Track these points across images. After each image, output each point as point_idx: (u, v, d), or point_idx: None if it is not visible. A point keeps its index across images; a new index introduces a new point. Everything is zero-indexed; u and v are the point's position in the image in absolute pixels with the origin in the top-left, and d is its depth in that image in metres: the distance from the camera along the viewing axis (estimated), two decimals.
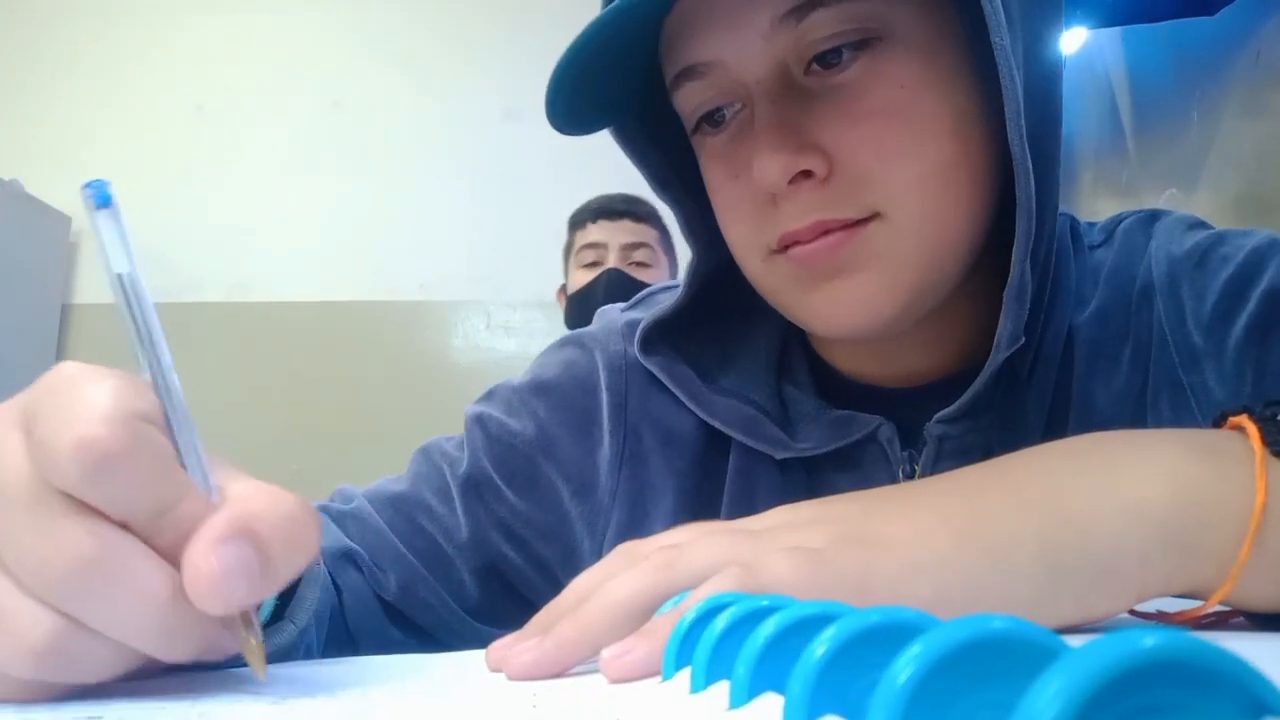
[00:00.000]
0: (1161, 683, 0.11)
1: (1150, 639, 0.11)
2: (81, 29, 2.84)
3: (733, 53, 0.44)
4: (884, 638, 0.17)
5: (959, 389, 0.47)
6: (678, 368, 0.55)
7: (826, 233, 0.44)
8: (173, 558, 0.25)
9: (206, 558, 0.24)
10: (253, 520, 0.25)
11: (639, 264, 1.72)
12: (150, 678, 0.27)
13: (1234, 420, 0.33)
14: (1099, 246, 0.54)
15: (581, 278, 1.73)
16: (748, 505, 0.53)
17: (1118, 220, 0.55)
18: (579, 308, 1.70)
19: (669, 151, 0.53)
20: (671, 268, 1.79)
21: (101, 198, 0.26)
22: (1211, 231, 0.51)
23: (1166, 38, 1.74)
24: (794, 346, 0.55)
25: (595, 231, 1.74)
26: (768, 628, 0.20)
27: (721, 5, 0.43)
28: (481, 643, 0.33)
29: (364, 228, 2.81)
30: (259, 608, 0.29)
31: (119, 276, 0.26)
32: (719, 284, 0.55)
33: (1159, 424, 0.48)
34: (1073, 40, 1.85)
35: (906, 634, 0.16)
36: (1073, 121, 2.07)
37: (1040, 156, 0.43)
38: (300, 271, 2.79)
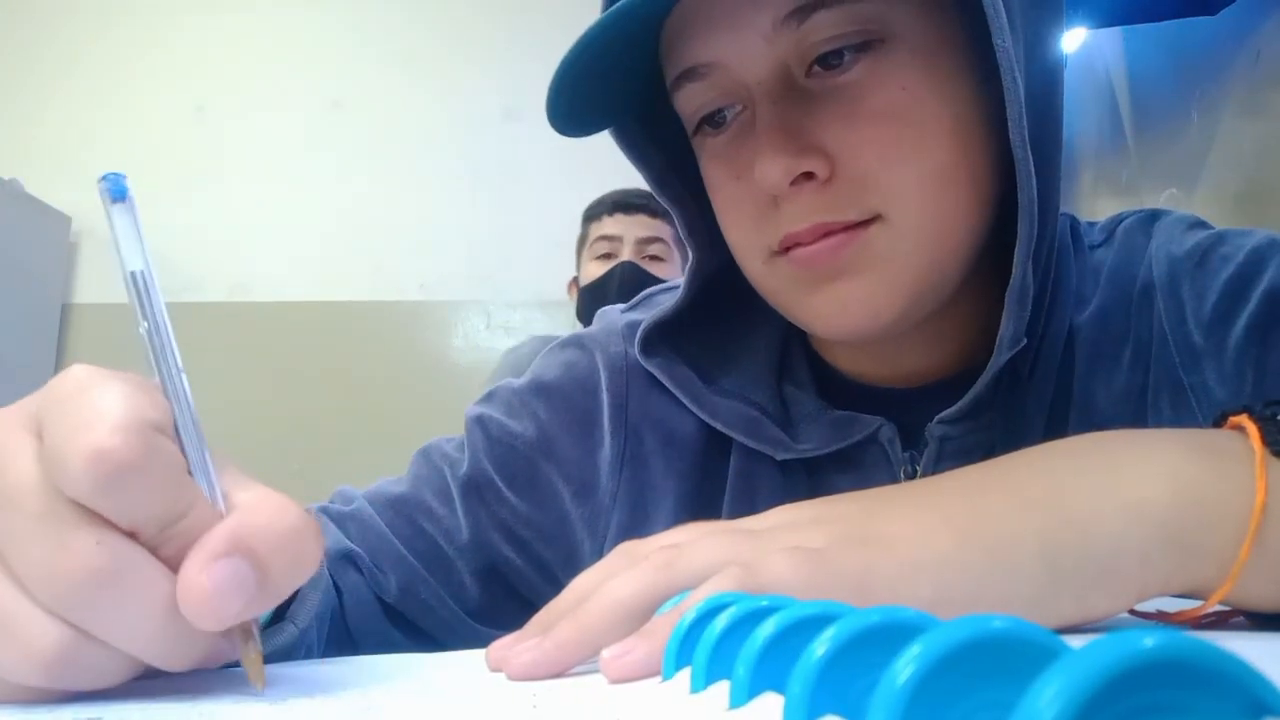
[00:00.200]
0: (1161, 683, 0.11)
1: (1150, 639, 0.11)
2: (81, 29, 2.84)
3: (734, 54, 0.44)
4: (884, 638, 0.17)
5: (960, 389, 0.47)
6: (678, 369, 0.55)
7: (827, 234, 0.44)
8: (178, 567, 0.25)
9: (199, 574, 0.24)
10: (251, 535, 0.25)
11: (653, 258, 1.72)
12: (150, 678, 0.27)
13: (1234, 420, 0.33)
14: (1099, 246, 0.54)
15: (595, 269, 1.73)
16: (749, 506, 0.53)
17: (1118, 220, 0.55)
18: (591, 299, 1.71)
19: (669, 152, 0.53)
20: (684, 264, 1.79)
21: (117, 190, 0.26)
22: (1212, 231, 0.51)
23: (1166, 38, 1.74)
24: (795, 347, 0.55)
25: (611, 224, 1.74)
26: (768, 628, 0.20)
27: (722, 6, 0.43)
28: (482, 644, 0.33)
29: (364, 228, 2.81)
30: (258, 617, 0.29)
31: (133, 274, 0.26)
32: (719, 285, 0.55)
33: (1159, 423, 0.48)
34: (1073, 40, 1.85)
35: (906, 634, 0.16)
36: (1073, 121, 2.07)
37: (1041, 158, 0.43)
38: (300, 271, 2.79)
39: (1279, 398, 0.32)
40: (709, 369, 0.55)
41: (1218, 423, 0.34)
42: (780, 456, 0.51)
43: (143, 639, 0.25)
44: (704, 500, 0.55)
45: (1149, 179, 1.87)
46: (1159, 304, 0.50)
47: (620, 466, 0.56)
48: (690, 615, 0.24)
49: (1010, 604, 0.29)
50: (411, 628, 0.55)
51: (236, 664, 0.28)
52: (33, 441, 0.25)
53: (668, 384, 0.55)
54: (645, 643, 0.26)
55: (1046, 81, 0.45)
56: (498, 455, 0.57)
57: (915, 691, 0.13)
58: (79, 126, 2.76)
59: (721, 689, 0.20)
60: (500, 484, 0.56)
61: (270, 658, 0.27)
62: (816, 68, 0.43)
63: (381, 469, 0.63)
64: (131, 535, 0.25)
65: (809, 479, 0.52)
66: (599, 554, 0.55)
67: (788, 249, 0.45)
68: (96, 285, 2.79)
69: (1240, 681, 0.11)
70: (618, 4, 0.41)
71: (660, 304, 0.57)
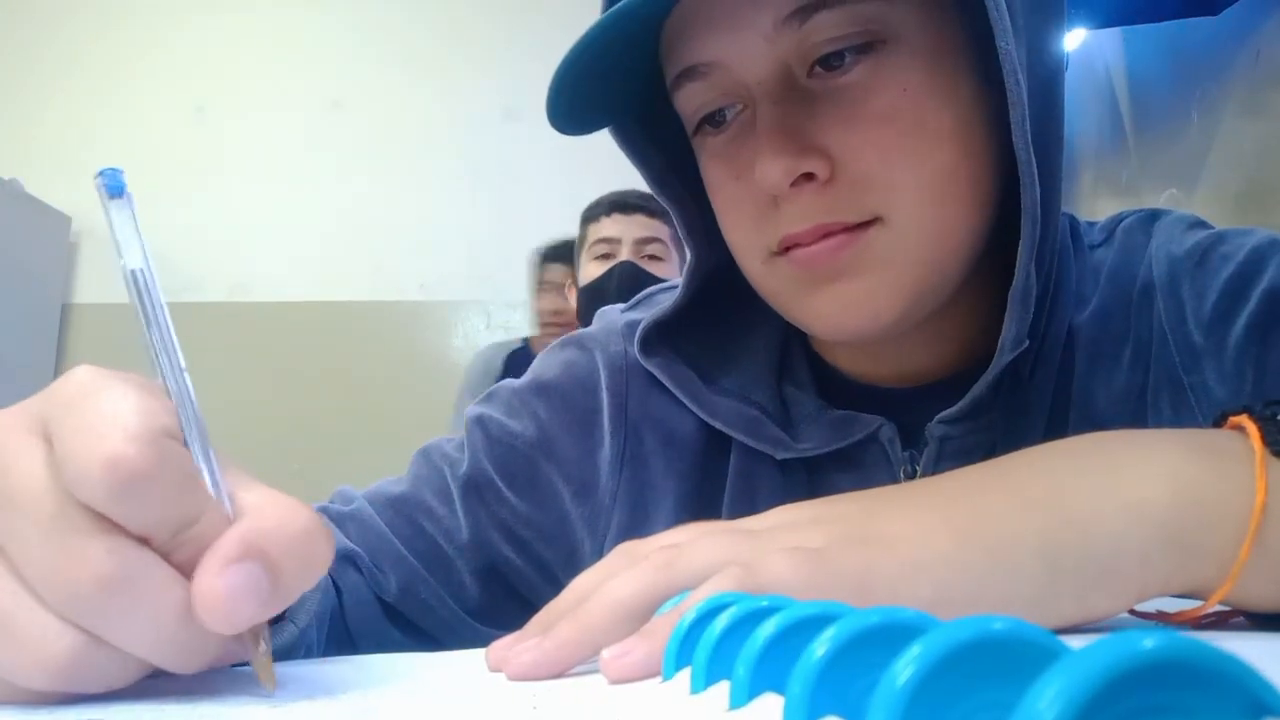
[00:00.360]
0: (1162, 684, 0.11)
1: (1150, 640, 0.11)
2: (81, 29, 2.84)
3: (735, 54, 0.44)
4: (884, 638, 0.17)
5: (960, 388, 0.47)
6: (677, 368, 0.55)
7: (827, 236, 0.44)
8: (189, 572, 0.25)
9: (215, 579, 0.24)
10: (263, 539, 0.25)
11: (651, 258, 1.73)
12: (152, 678, 0.27)
13: (1234, 420, 0.33)
14: (1099, 246, 0.54)
15: (594, 270, 1.74)
16: (749, 506, 0.53)
17: (1118, 220, 0.55)
18: (590, 300, 1.71)
19: (669, 152, 0.53)
20: (682, 263, 1.80)
21: (114, 186, 0.26)
22: (1212, 231, 0.51)
23: (1166, 38, 1.74)
24: (794, 346, 0.55)
25: (609, 225, 1.74)
26: (768, 628, 0.20)
27: (723, 6, 0.43)
28: (482, 644, 0.33)
29: (364, 228, 2.81)
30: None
31: (133, 273, 0.26)
32: (719, 284, 0.54)
33: (1159, 423, 0.48)
34: (1073, 40, 1.85)
35: (906, 634, 0.16)
36: (1073, 121, 2.07)
37: (1043, 159, 0.42)
38: (300, 271, 2.79)
39: (1279, 397, 0.32)
40: (709, 368, 0.55)
41: (1218, 423, 0.34)
42: (780, 456, 0.51)
43: (154, 644, 0.25)
44: (704, 500, 0.55)
45: (1149, 179, 1.87)
46: (1159, 303, 0.50)
47: (620, 466, 0.56)
48: (690, 615, 0.24)
49: (1010, 604, 0.29)
50: (411, 628, 0.55)
51: (240, 664, 0.28)
52: (39, 444, 0.25)
53: (667, 383, 0.55)
54: (645, 643, 0.26)
55: (1048, 83, 0.45)
56: (498, 455, 0.57)
57: (915, 692, 0.13)
58: (79, 126, 2.76)
59: (721, 689, 0.20)
60: (500, 484, 0.56)
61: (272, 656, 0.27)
62: (818, 68, 0.43)
63: (381, 469, 0.63)
64: (143, 540, 0.24)
65: (809, 479, 0.52)
66: (599, 554, 0.55)
67: (787, 249, 0.45)
68: (96, 285, 2.79)
69: (1240, 682, 0.11)
70: (618, 4, 0.41)
71: (660, 303, 0.57)
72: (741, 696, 0.19)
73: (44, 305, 2.67)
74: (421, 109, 2.84)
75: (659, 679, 0.25)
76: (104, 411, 0.24)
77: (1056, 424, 0.49)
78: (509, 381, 0.60)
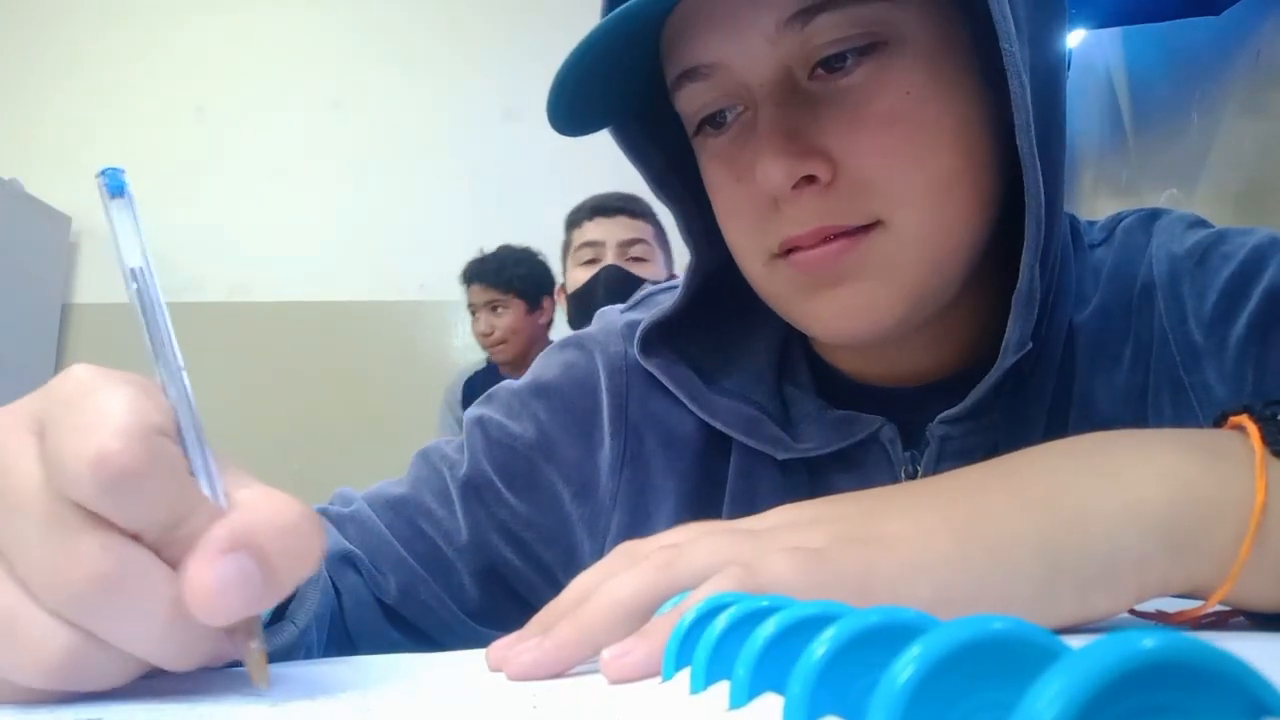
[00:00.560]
0: (1161, 684, 0.11)
1: (1150, 640, 0.11)
2: (81, 29, 2.84)
3: (736, 55, 0.44)
4: (884, 638, 0.17)
5: (961, 388, 0.47)
6: (678, 369, 0.55)
7: (828, 239, 0.43)
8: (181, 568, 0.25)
9: (205, 570, 0.24)
10: (254, 531, 0.25)
11: (636, 259, 1.73)
12: (150, 678, 0.27)
13: (1234, 419, 0.33)
14: (1099, 245, 0.54)
15: (580, 275, 1.74)
16: (749, 506, 0.52)
17: (1118, 219, 0.55)
18: (579, 305, 1.71)
19: (669, 152, 0.53)
20: (667, 263, 1.81)
21: (115, 185, 0.26)
22: (1212, 230, 0.51)
23: (1166, 38, 1.74)
24: (795, 347, 0.55)
25: (592, 229, 1.75)
26: (768, 628, 0.20)
27: (725, 7, 0.43)
28: (482, 644, 0.33)
29: (364, 228, 2.81)
30: (260, 615, 0.29)
31: (133, 271, 0.26)
32: (719, 284, 0.54)
33: (1160, 423, 0.48)
34: (1073, 40, 1.85)
35: (906, 634, 0.16)
36: (1073, 121, 2.06)
37: (1045, 160, 0.42)
38: (300, 271, 2.79)
39: (1279, 397, 0.32)
40: (709, 369, 0.55)
41: (1218, 422, 0.34)
42: (781, 456, 0.51)
43: (149, 641, 0.25)
44: (704, 500, 0.55)
45: (1149, 179, 1.87)
46: (1159, 303, 0.50)
47: (620, 466, 0.56)
48: (690, 615, 0.24)
49: (1010, 604, 0.29)
50: (411, 629, 0.55)
51: (237, 663, 0.28)
52: (35, 442, 0.25)
53: (667, 384, 0.55)
54: (645, 643, 0.26)
55: (1049, 84, 0.45)
56: (497, 456, 0.57)
57: (915, 692, 0.13)
58: (79, 126, 2.76)
59: (721, 689, 0.20)
60: (500, 485, 0.56)
61: (271, 657, 0.27)
62: (819, 70, 0.43)
63: (381, 469, 0.63)
64: (135, 538, 0.24)
65: (809, 479, 0.52)
66: (599, 554, 0.55)
67: (788, 252, 0.45)
68: (96, 285, 2.79)
69: (1240, 682, 0.11)
70: (620, 6, 0.40)
71: (660, 304, 0.57)
72: (741, 696, 0.19)
73: (44, 305, 2.67)
74: (421, 109, 2.84)
75: (659, 679, 0.25)
76: (94, 408, 0.24)
77: (1057, 424, 0.49)
78: (509, 383, 0.60)
